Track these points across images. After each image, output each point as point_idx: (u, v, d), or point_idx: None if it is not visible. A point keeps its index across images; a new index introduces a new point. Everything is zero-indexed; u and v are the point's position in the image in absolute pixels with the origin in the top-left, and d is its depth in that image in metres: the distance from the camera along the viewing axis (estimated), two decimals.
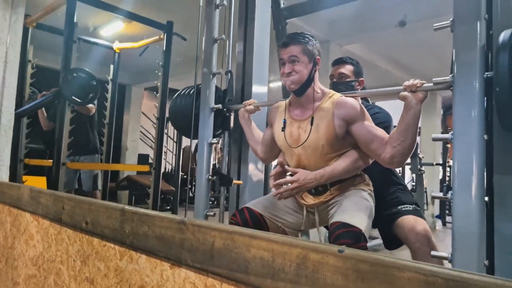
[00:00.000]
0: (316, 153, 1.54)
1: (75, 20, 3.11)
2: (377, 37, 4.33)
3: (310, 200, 1.61)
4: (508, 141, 1.32)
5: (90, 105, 3.61)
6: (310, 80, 1.56)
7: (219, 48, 2.36)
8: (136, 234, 0.87)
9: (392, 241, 1.81)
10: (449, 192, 1.22)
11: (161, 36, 3.85)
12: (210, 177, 2.13)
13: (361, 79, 1.90)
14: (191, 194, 7.47)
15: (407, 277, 0.45)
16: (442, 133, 7.36)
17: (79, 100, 3.01)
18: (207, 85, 2.17)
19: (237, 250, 0.65)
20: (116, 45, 4.48)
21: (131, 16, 3.93)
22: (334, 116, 1.50)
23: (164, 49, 3.79)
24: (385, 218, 1.76)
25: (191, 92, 2.35)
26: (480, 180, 1.19)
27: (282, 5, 2.62)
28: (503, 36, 1.12)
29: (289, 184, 1.54)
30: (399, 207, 1.76)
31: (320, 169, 1.53)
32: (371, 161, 1.60)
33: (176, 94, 2.49)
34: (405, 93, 1.35)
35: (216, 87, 2.28)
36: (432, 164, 5.22)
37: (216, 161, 6.74)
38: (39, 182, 5.32)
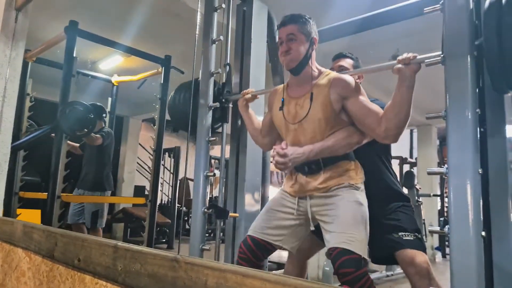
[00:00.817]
0: (311, 128, 1.56)
1: (74, 55, 3.18)
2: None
3: (304, 182, 1.59)
4: (502, 175, 1.33)
5: (96, 135, 3.59)
6: (307, 58, 1.61)
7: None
8: (128, 271, 0.86)
9: (385, 260, 1.76)
10: (446, 226, 1.21)
11: (159, 70, 3.93)
12: (206, 210, 2.11)
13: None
14: (187, 226, 7.38)
15: None
16: (439, 163, 7.43)
17: (76, 133, 3.03)
18: (203, 116, 2.19)
19: None
20: (115, 79, 4.56)
21: (130, 51, 4.03)
22: (330, 91, 1.54)
23: (162, 82, 3.87)
24: (383, 241, 1.70)
25: (189, 86, 2.40)
26: (477, 214, 1.19)
27: (277, 39, 2.69)
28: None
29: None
30: (400, 234, 1.71)
31: (309, 145, 1.55)
32: (364, 140, 1.60)
33: (175, 89, 2.53)
34: (399, 65, 1.38)
35: (214, 81, 2.32)
36: (429, 195, 5.20)
37: (212, 190, 6.69)
38: (33, 215, 5.23)
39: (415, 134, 7.85)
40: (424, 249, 1.70)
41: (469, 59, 1.23)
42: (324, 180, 1.57)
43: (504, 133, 1.30)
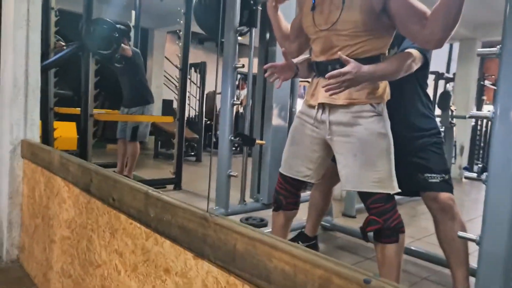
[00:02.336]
0: (347, 32, 1.41)
1: None
2: None
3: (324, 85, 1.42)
4: None
5: (126, 47, 3.49)
6: None
7: None
8: (160, 220, 0.89)
9: (408, 191, 1.72)
10: (484, 173, 1.16)
11: None
12: (233, 138, 2.12)
13: None
14: (213, 139, 7.60)
15: None
16: (479, 79, 6.98)
17: (102, 52, 2.99)
18: (230, 45, 2.07)
19: (258, 257, 0.64)
20: None
21: None
22: None
23: None
24: (409, 179, 1.67)
25: None
26: None
27: None
28: None
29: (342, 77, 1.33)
30: (426, 175, 1.68)
31: (373, 64, 1.39)
32: (417, 65, 1.51)
33: None
34: None
35: None
36: (464, 117, 4.97)
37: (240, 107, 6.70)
38: (70, 128, 5.50)
39: (455, 48, 7.27)
40: (451, 191, 1.67)
41: None
42: (348, 104, 1.43)
43: None
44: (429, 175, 1.66)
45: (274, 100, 2.27)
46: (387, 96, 1.50)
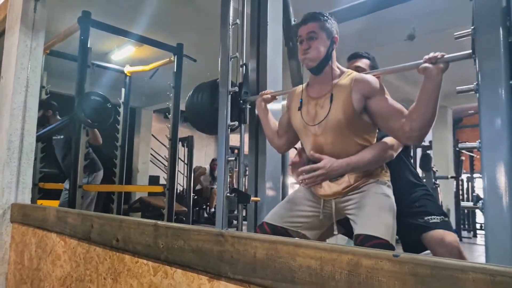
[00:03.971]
0: (333, 131, 1.51)
1: (88, 45, 3.19)
2: (386, 51, 4.36)
3: (327, 187, 1.55)
4: None
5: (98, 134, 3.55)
6: (328, 57, 1.55)
7: (232, 67, 2.40)
8: (171, 248, 0.87)
9: (414, 248, 1.74)
10: (480, 201, 1.20)
11: (171, 58, 3.92)
12: (228, 194, 2.12)
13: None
14: (205, 215, 7.47)
15: (472, 278, 0.44)
16: (454, 146, 7.32)
17: (94, 124, 3.06)
18: (223, 103, 2.19)
19: (281, 260, 0.64)
20: (127, 69, 4.57)
21: (142, 40, 4.02)
22: (352, 90, 1.48)
23: (175, 70, 3.86)
24: (410, 228, 1.69)
25: (207, 87, 2.39)
26: None
27: (292, 22, 2.67)
28: None
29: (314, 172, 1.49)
30: (426, 218, 1.69)
31: (346, 158, 1.49)
32: (395, 154, 1.57)
33: (193, 90, 2.53)
34: (426, 64, 1.33)
35: (232, 82, 2.30)
36: (446, 177, 5.14)
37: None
38: (53, 206, 5.32)
39: None
40: (452, 230, 1.68)
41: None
42: (348, 185, 1.53)
43: None
44: (429, 217, 1.68)
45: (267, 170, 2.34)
46: (388, 177, 1.59)
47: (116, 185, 3.70)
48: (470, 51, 1.29)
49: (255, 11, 2.52)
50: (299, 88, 1.72)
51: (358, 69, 1.84)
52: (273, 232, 1.61)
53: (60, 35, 3.66)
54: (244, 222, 2.34)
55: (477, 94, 1.23)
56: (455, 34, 1.31)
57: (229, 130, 2.23)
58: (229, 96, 2.24)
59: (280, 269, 0.64)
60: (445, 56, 1.31)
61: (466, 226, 6.93)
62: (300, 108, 1.62)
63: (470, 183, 7.74)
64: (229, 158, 2.14)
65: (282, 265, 0.64)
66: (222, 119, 2.17)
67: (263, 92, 1.98)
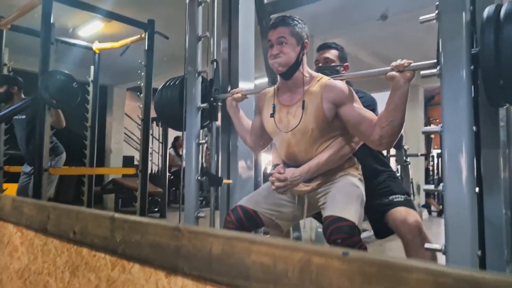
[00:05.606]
0: (305, 138, 1.54)
1: (52, 21, 3.01)
2: (360, 30, 4.35)
3: (302, 187, 1.62)
4: (494, 132, 1.34)
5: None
6: (298, 63, 1.55)
7: (203, 46, 2.32)
8: (128, 242, 0.84)
9: (382, 230, 1.82)
10: (440, 184, 1.22)
11: (143, 35, 3.77)
12: (199, 178, 2.10)
13: (346, 64, 1.91)
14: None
15: (415, 278, 0.44)
16: (425, 124, 7.51)
17: (59, 104, 2.93)
18: (192, 83, 2.13)
19: (236, 256, 0.63)
20: (96, 46, 4.38)
21: (111, 15, 3.84)
22: (323, 99, 1.50)
23: (146, 48, 3.72)
24: (376, 208, 1.77)
25: (176, 83, 2.32)
26: (471, 172, 1.20)
27: (265, 1, 2.60)
28: (487, 11, 1.14)
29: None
30: (390, 197, 1.76)
31: (305, 165, 1.54)
32: (356, 147, 1.62)
33: (161, 86, 2.45)
34: (393, 73, 1.36)
35: (202, 77, 2.25)
36: (417, 155, 5.30)
37: (204, 160, 6.68)
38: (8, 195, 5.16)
39: None
40: (414, 208, 1.75)
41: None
42: (319, 183, 1.59)
43: None
44: (394, 196, 1.75)
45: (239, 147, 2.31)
46: (359, 173, 1.63)
47: (85, 167, 3.59)
48: (436, 60, 1.30)
49: None
50: (270, 91, 1.71)
51: (327, 60, 1.88)
52: (245, 215, 1.62)
53: (22, 9, 3.44)
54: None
55: (440, 79, 1.24)
56: (420, 18, 1.30)
57: (199, 112, 2.18)
58: (199, 77, 2.18)
59: (235, 265, 0.63)
60: (412, 65, 1.33)
61: (437, 200, 7.23)
62: (273, 115, 1.62)
63: (440, 159, 8.02)
64: (200, 142, 2.10)
65: (237, 261, 0.63)
66: (190, 100, 2.12)
67: (233, 90, 1.95)
